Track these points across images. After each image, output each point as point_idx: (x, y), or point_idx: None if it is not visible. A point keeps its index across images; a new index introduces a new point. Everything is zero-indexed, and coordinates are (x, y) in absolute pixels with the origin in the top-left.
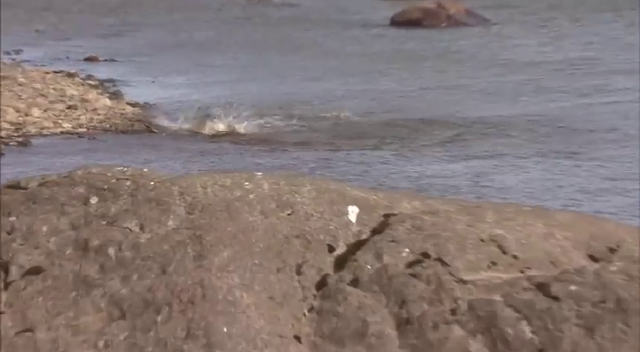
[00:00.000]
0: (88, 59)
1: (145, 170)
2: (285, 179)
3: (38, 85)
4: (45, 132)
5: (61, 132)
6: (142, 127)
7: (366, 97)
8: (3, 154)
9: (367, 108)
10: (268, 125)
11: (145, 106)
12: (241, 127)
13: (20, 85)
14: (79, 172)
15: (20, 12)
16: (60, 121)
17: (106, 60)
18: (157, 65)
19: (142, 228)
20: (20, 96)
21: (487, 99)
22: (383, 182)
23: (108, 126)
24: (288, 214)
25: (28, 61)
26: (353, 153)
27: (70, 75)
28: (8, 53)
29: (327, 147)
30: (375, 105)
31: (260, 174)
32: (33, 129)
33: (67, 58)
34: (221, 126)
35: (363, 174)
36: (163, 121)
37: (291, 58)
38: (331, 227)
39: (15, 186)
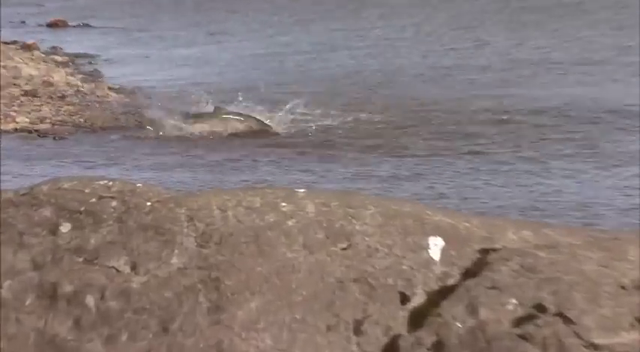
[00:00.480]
0: (53, 24)
1: (139, 184)
2: (339, 198)
3: None
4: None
5: (15, 130)
6: (130, 122)
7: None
8: None
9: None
10: (315, 123)
11: (135, 92)
12: (277, 125)
13: None
14: (45, 187)
15: None
16: (13, 113)
17: (78, 25)
18: (151, 32)
19: (134, 267)
20: None
21: None
22: (483, 203)
23: (82, 120)
24: (343, 249)
25: None
26: (438, 159)
27: (27, 47)
28: None
29: (400, 151)
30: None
31: (303, 190)
32: None
33: (23, 22)
34: (240, 126)
35: (455, 187)
36: (161, 113)
37: (328, 24)
38: (404, 267)
39: None
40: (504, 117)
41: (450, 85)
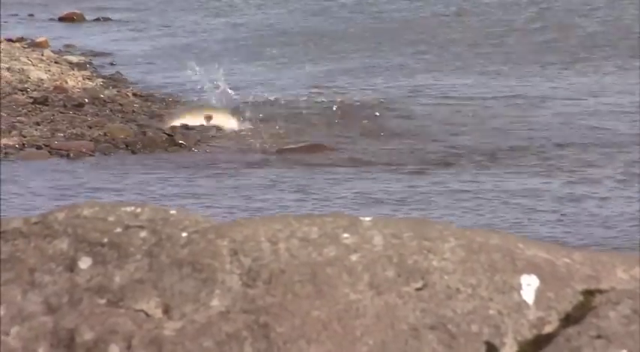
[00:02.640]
0: (66, 18)
1: (173, 211)
2: (413, 228)
3: None
4: None
5: (22, 146)
6: (160, 137)
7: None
8: None
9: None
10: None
11: (164, 98)
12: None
13: None
14: (60, 215)
15: None
16: (19, 125)
17: (96, 19)
18: (184, 28)
19: (166, 311)
20: None
21: None
22: (585, 234)
23: (102, 134)
24: (418, 289)
25: None
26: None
27: (37, 45)
28: None
29: (487, 166)
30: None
31: (369, 219)
32: None
33: (31, 16)
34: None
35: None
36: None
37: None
38: (491, 311)
39: None
40: None
41: None
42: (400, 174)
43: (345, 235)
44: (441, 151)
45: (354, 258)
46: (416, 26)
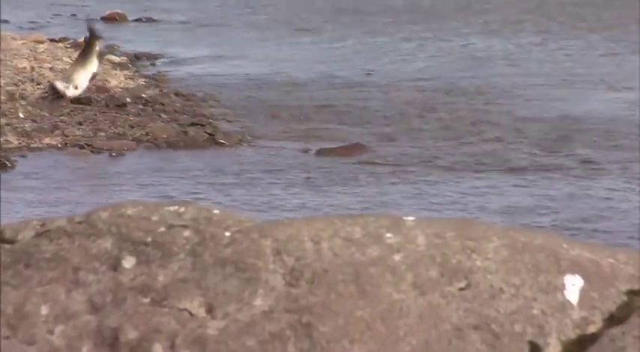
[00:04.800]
0: (109, 18)
1: (216, 211)
2: (456, 227)
3: (25, 64)
4: (36, 144)
5: (64, 144)
6: (202, 136)
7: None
8: None
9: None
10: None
11: (206, 99)
12: None
13: None
14: (104, 214)
15: None
16: (61, 125)
17: (138, 19)
18: (226, 27)
19: (210, 310)
20: None
21: None
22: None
23: (144, 133)
24: (461, 289)
25: (6, 21)
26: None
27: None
28: None
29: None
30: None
31: (412, 219)
32: (15, 140)
33: (74, 15)
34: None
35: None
36: (235, 124)
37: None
38: (535, 311)
39: None
40: None
41: None
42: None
43: (389, 235)
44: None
45: (397, 257)
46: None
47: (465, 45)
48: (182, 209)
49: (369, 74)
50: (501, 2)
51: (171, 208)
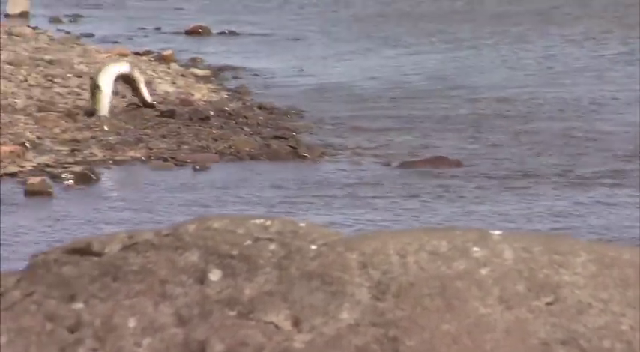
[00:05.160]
0: (193, 32)
1: (302, 224)
2: (543, 242)
3: None
4: (120, 157)
5: (149, 158)
6: (284, 149)
7: None
8: (51, 194)
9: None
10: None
11: (288, 112)
12: None
13: (78, 74)
14: (191, 227)
15: None
16: (145, 137)
17: (221, 32)
18: (307, 40)
19: (296, 323)
20: (78, 93)
21: None
22: None
23: (227, 146)
24: (549, 303)
25: (91, 35)
26: None
27: (163, 59)
28: (57, 20)
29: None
30: None
31: (498, 233)
32: (99, 153)
33: (158, 29)
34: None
35: None
36: (317, 139)
37: None
38: (623, 327)
39: (83, 251)
40: None
41: None
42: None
43: (475, 249)
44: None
45: (484, 271)
46: None
47: (546, 56)
48: (268, 222)
49: (450, 86)
50: (585, 12)
51: (257, 221)
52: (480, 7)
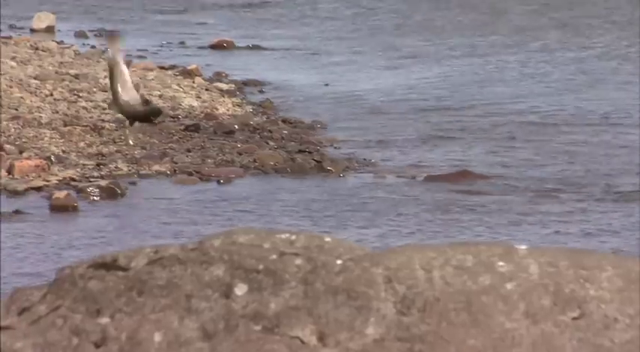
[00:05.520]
0: (217, 46)
1: (328, 239)
2: (568, 256)
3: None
4: (146, 171)
5: (174, 172)
6: (309, 163)
7: None
8: (76, 208)
9: None
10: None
11: (314, 126)
12: None
13: (104, 89)
14: (216, 242)
15: None
16: (170, 151)
17: (246, 46)
18: (333, 54)
19: (321, 338)
20: (103, 108)
21: None
22: None
23: (251, 160)
24: (575, 318)
25: None
26: None
27: (188, 73)
28: (82, 35)
29: None
30: None
31: (524, 247)
32: (124, 167)
33: (182, 43)
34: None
35: None
36: (343, 154)
37: None
38: None
39: (109, 266)
40: None
41: None
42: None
43: (501, 263)
44: None
45: (509, 286)
46: None
47: (579, 67)
48: (294, 237)
49: (474, 98)
50: (609, 24)
51: (283, 236)
52: (503, 18)
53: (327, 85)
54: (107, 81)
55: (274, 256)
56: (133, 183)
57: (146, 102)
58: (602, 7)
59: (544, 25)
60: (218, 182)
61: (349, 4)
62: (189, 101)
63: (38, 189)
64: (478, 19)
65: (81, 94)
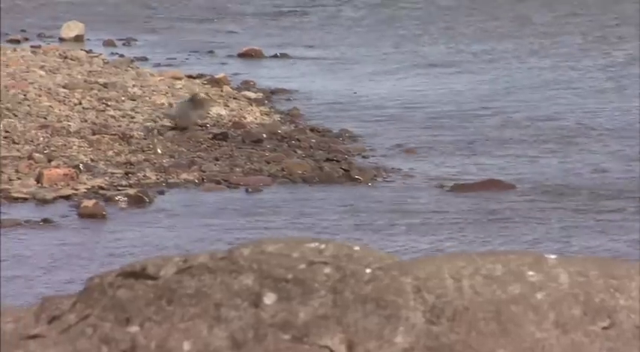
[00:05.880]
0: (245, 55)
1: (357, 248)
2: (599, 266)
3: (163, 100)
4: (174, 180)
5: (202, 180)
6: (337, 172)
7: None
8: (104, 217)
9: None
10: None
11: (342, 135)
12: None
13: (132, 97)
14: (245, 251)
15: None
16: (198, 160)
17: (274, 55)
18: (360, 63)
19: (350, 347)
20: (132, 117)
21: None
22: None
23: (279, 169)
24: (605, 328)
25: (144, 58)
26: None
27: (216, 82)
28: (111, 44)
29: None
30: None
31: (554, 257)
32: (153, 175)
33: (211, 52)
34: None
35: None
36: (370, 162)
37: None
38: None
39: (138, 275)
40: None
41: None
42: None
43: (530, 273)
44: None
45: (539, 295)
46: None
47: (595, 74)
48: (322, 246)
49: (499, 105)
50: (635, 32)
51: (312, 245)
52: (527, 24)
53: (354, 92)
54: (135, 89)
55: (303, 265)
56: (161, 192)
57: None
58: (630, 12)
59: (570, 31)
60: (246, 190)
61: (374, 12)
62: (217, 110)
63: (67, 197)
64: (503, 25)
65: (109, 103)
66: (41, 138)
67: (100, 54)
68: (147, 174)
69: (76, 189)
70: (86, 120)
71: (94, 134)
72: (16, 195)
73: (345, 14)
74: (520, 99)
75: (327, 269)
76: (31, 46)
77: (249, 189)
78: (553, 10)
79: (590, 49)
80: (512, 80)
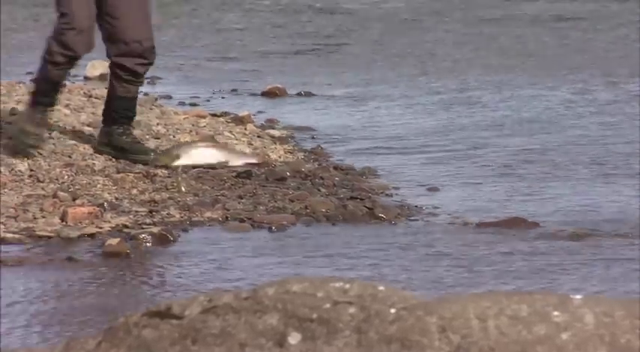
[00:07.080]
0: (269, 93)
1: (381, 287)
2: (625, 306)
3: (187, 138)
4: (197, 218)
5: (226, 219)
6: (360, 210)
7: None
8: (128, 255)
9: None
10: None
11: (365, 173)
12: None
13: (156, 136)
14: (270, 290)
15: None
16: (222, 198)
17: (298, 93)
18: (384, 100)
19: None
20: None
21: None
22: None
23: (303, 207)
24: None
25: (169, 96)
26: None
27: (240, 120)
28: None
29: None
30: None
31: (579, 297)
32: (177, 213)
33: (234, 91)
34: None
35: None
36: (392, 200)
37: None
38: None
39: (163, 314)
40: None
41: None
42: None
43: (556, 313)
44: None
45: (564, 336)
46: None
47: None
48: (347, 285)
49: (517, 134)
50: None
51: (337, 284)
52: (538, 56)
53: (377, 129)
54: (159, 128)
55: (328, 305)
56: (185, 230)
57: None
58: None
59: (581, 64)
60: (269, 229)
61: (383, 50)
62: (241, 148)
63: (91, 235)
64: (517, 57)
65: None
66: (66, 177)
67: None
68: (171, 212)
69: (101, 228)
70: (111, 159)
71: (118, 172)
72: (40, 233)
73: (361, 52)
74: (538, 132)
75: (352, 309)
76: None
77: (273, 228)
78: (564, 43)
79: (596, 85)
80: (529, 113)
